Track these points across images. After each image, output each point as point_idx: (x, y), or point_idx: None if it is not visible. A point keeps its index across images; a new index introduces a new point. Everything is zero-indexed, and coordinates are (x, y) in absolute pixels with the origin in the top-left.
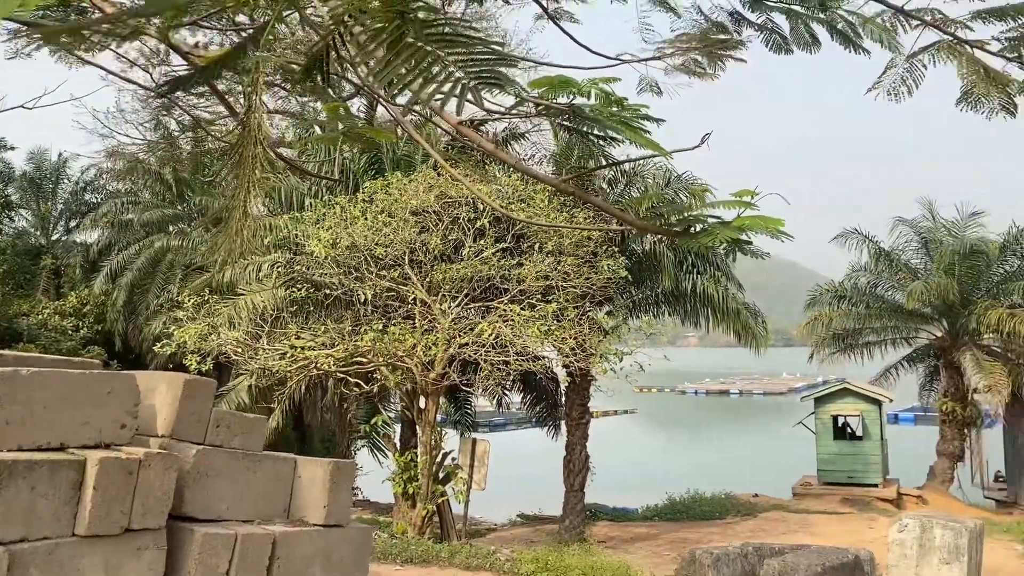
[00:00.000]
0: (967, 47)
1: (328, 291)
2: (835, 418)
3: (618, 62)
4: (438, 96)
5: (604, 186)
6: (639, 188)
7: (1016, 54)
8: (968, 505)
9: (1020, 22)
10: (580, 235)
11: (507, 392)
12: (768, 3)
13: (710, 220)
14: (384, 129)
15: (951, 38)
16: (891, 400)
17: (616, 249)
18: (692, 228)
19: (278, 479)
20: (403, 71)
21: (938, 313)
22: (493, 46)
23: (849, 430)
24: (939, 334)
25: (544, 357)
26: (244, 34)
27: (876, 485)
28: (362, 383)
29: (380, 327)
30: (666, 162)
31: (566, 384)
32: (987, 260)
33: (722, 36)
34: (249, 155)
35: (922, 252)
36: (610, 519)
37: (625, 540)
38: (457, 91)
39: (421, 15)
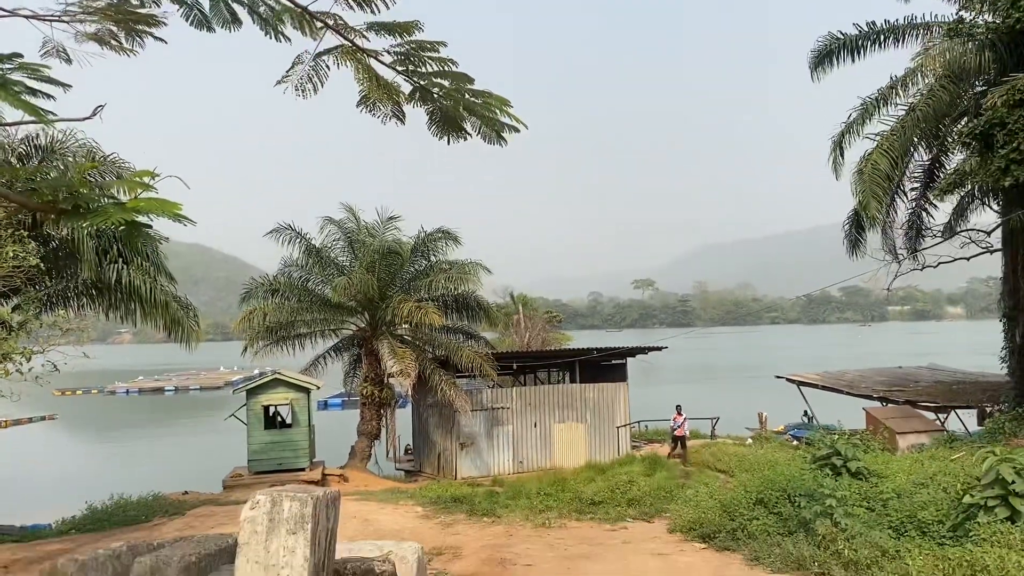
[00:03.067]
0: (365, 55)
1: None
2: (266, 408)
3: (11, 15)
4: None
5: (13, 160)
6: (59, 166)
7: (404, 68)
8: (382, 477)
9: (407, 39)
10: None
11: None
12: None
13: (104, 200)
14: None
15: (351, 44)
16: (319, 387)
17: (27, 233)
18: (82, 206)
19: None
20: None
21: (361, 306)
22: None
23: (280, 419)
24: (362, 325)
25: None
26: None
27: (303, 469)
28: None
29: None
30: (91, 140)
31: None
32: (401, 260)
33: (140, 9)
34: None
35: (348, 251)
36: (16, 540)
37: (33, 560)
38: None
39: None
